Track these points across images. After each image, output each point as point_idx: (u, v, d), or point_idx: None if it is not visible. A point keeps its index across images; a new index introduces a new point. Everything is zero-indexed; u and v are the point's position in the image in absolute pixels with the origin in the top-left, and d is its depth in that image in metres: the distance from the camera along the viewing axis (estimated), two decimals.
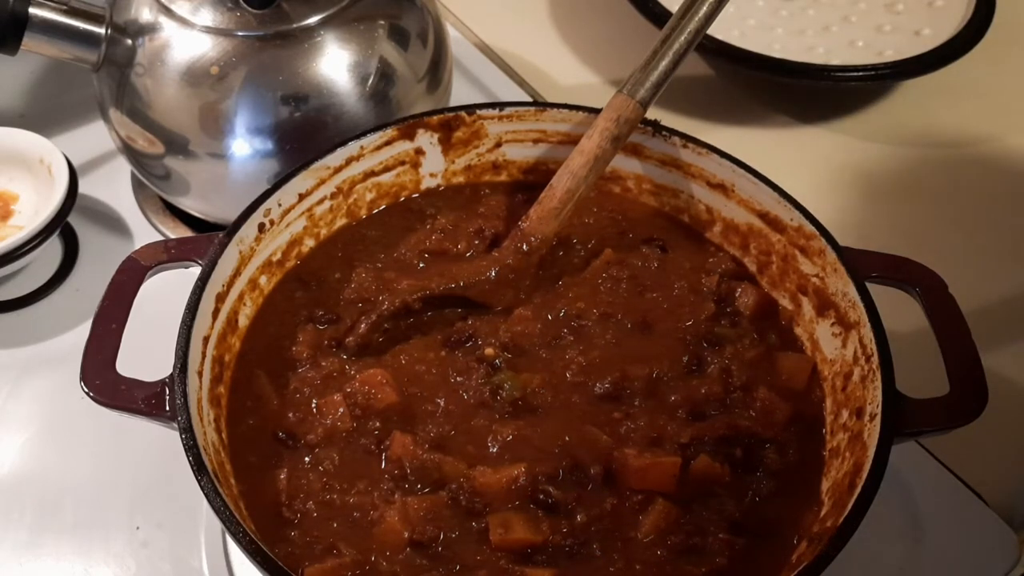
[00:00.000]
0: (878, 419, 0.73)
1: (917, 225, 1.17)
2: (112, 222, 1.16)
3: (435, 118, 0.95)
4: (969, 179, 1.23)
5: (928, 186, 1.22)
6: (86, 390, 0.74)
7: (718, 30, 1.20)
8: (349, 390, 0.81)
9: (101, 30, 0.98)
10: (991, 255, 1.15)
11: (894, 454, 0.71)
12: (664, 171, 0.95)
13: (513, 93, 1.31)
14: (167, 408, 0.73)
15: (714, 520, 0.75)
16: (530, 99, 1.30)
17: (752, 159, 0.91)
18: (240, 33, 0.97)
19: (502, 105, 0.97)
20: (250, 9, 0.96)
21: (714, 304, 0.88)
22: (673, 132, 0.93)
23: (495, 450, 0.78)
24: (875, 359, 0.76)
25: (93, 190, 1.17)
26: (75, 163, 1.10)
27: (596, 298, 0.89)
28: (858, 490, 0.69)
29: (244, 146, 0.99)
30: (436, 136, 0.96)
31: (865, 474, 0.70)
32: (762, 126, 1.29)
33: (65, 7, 0.97)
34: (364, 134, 0.92)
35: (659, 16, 1.27)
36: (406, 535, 0.73)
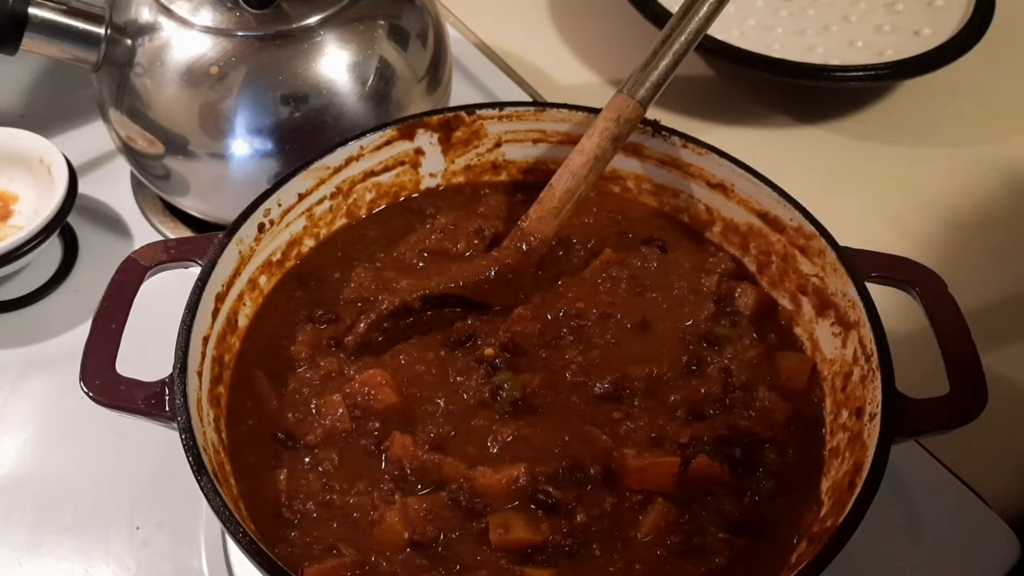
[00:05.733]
0: (878, 419, 0.73)
1: (917, 225, 1.17)
2: (112, 222, 1.16)
3: (435, 118, 0.95)
4: (969, 179, 1.23)
5: (928, 186, 1.22)
6: (86, 390, 0.74)
7: (718, 30, 1.20)
8: (348, 391, 0.80)
9: (101, 30, 0.98)
10: (991, 255, 1.15)
11: (894, 454, 0.71)
12: (664, 171, 0.95)
13: (513, 93, 1.31)
14: (167, 408, 0.73)
15: (714, 520, 0.75)
16: (530, 99, 1.30)
17: (752, 159, 0.91)
18: (240, 33, 0.97)
19: (502, 105, 0.97)
20: (250, 9, 0.96)
21: (714, 304, 0.88)
22: (673, 132, 0.93)
23: (495, 450, 0.78)
24: (875, 359, 0.76)
25: (93, 190, 1.17)
26: (75, 163, 1.10)
27: (596, 298, 0.89)
28: (858, 490, 0.69)
29: (244, 146, 0.99)
30: (436, 136, 0.96)
31: (865, 474, 0.70)
32: (762, 126, 1.29)
33: (65, 7, 0.97)
34: (364, 134, 0.92)
35: (659, 16, 1.27)
36: (406, 535, 0.73)
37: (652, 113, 0.91)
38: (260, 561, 0.66)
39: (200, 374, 0.77)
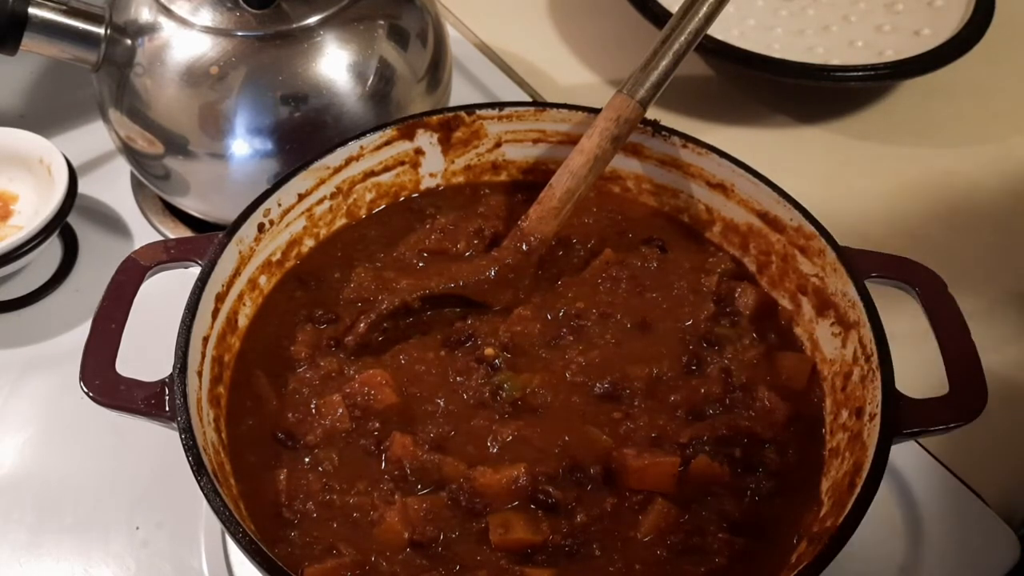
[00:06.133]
0: (877, 419, 0.73)
1: (917, 225, 1.17)
2: (112, 222, 1.16)
3: (435, 118, 0.95)
4: (969, 179, 1.23)
5: (928, 186, 1.22)
6: (86, 390, 0.74)
7: (718, 30, 1.20)
8: (348, 391, 0.80)
9: (100, 30, 0.98)
10: (991, 255, 1.15)
11: (894, 454, 0.71)
12: (664, 171, 0.95)
13: (513, 93, 1.31)
14: (167, 408, 0.73)
15: (714, 520, 0.75)
16: (530, 99, 1.30)
17: (752, 159, 0.91)
18: (240, 33, 0.97)
19: (501, 105, 0.97)
20: (250, 9, 0.96)
21: (714, 304, 0.88)
22: (673, 132, 0.93)
23: (495, 450, 0.78)
24: (875, 359, 0.76)
25: (93, 190, 1.17)
26: (75, 163, 1.10)
27: (596, 298, 0.89)
28: (858, 490, 0.69)
29: (244, 146, 0.99)
30: (436, 136, 0.96)
31: (865, 474, 0.70)
32: (762, 126, 1.29)
33: (65, 7, 0.97)
34: (364, 134, 0.92)
35: (659, 16, 1.27)
36: (406, 535, 0.73)
37: (652, 113, 0.91)
38: (260, 561, 0.66)
39: (200, 374, 0.77)
